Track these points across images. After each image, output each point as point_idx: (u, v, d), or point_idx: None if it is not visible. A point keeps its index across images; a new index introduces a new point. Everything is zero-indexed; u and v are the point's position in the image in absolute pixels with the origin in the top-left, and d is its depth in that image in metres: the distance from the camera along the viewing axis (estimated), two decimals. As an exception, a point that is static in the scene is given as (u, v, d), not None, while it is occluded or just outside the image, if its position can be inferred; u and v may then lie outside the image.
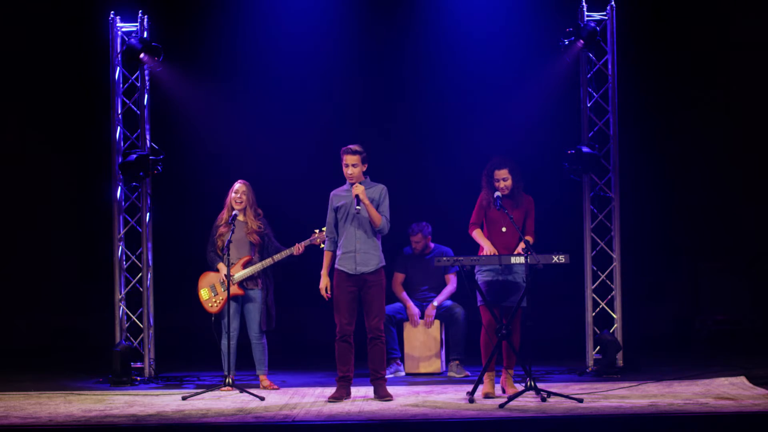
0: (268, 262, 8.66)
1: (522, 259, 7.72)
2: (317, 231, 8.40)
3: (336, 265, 8.00)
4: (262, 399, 7.98)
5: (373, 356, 7.94)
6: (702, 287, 11.78)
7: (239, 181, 8.78)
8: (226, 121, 11.24)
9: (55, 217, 12.14)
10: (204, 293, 8.75)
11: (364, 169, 8.00)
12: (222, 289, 8.64)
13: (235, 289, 8.62)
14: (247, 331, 8.74)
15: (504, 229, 8.03)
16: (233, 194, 8.72)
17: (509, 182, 8.01)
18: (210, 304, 8.73)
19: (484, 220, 8.10)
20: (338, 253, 8.00)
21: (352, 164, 7.93)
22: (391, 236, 8.18)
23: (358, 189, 7.85)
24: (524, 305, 7.90)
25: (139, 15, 9.39)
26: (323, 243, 8.26)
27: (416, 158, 11.56)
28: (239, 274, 8.64)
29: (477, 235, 8.08)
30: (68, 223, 12.18)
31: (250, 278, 8.68)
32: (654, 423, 6.87)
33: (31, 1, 11.57)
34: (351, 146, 7.97)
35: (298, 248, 8.57)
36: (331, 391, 8.04)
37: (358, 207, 7.85)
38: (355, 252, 7.91)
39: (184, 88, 10.07)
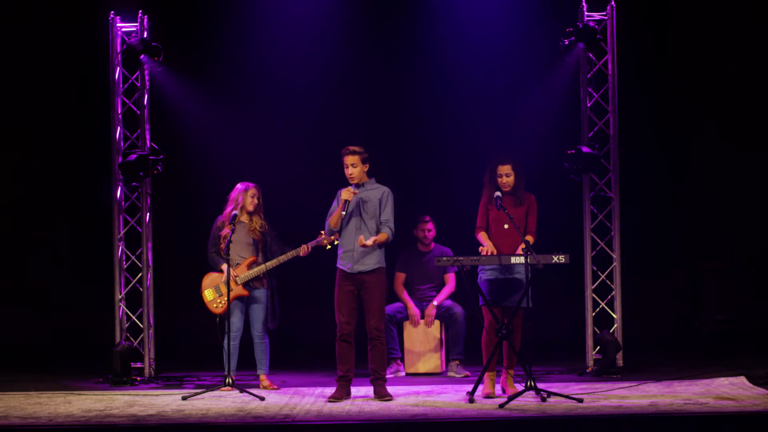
0: (273, 263, 8.65)
1: (522, 259, 7.73)
2: (323, 232, 8.38)
3: (337, 263, 8.02)
4: (262, 399, 7.98)
5: (374, 357, 7.94)
6: (702, 287, 11.77)
7: (249, 184, 8.74)
8: (227, 120, 11.24)
9: (55, 217, 12.13)
10: (208, 294, 8.73)
11: (365, 169, 8.00)
12: (226, 290, 8.62)
13: (240, 290, 8.62)
14: (250, 330, 8.74)
15: (506, 226, 8.03)
16: (250, 198, 8.70)
17: (512, 178, 8.02)
18: (215, 305, 8.71)
19: (488, 220, 8.11)
20: (339, 252, 8.02)
21: (351, 164, 7.94)
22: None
23: (347, 193, 7.89)
24: (524, 305, 7.89)
25: (139, 15, 9.39)
26: (330, 245, 8.26)
27: (417, 158, 11.56)
28: (244, 275, 8.63)
29: (481, 237, 8.09)
30: (68, 223, 12.17)
31: (256, 278, 8.67)
32: (654, 423, 6.87)
33: (31, 1, 11.56)
34: (350, 146, 7.98)
35: (305, 249, 8.55)
36: (331, 391, 8.04)
37: (343, 213, 7.89)
38: (354, 251, 7.92)
39: (184, 88, 10.07)
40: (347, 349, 7.93)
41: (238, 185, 8.77)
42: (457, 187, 10.71)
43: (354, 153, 7.94)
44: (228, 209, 8.74)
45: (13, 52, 11.73)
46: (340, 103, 11.40)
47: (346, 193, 7.89)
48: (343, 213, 7.89)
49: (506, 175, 8.02)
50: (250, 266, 8.67)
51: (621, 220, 9.32)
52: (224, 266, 8.60)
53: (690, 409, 7.14)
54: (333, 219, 8.00)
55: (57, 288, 12.01)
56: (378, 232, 7.96)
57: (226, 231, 8.63)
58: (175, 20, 10.68)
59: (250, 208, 8.71)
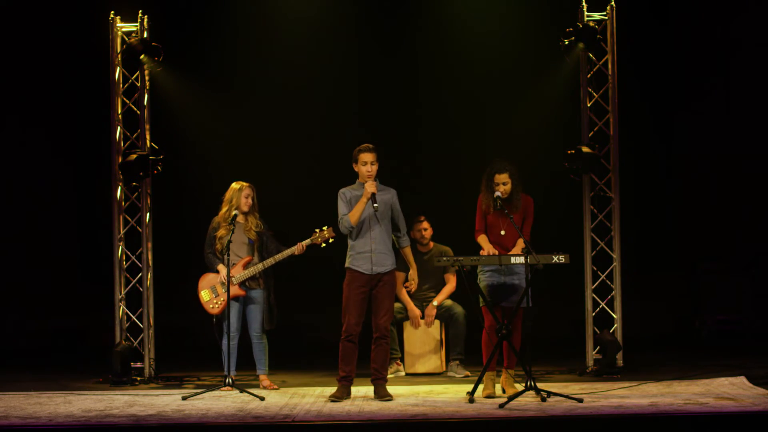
0: (269, 262, 8.64)
1: (522, 260, 7.73)
2: (318, 230, 8.38)
3: (349, 264, 7.97)
4: (262, 399, 7.98)
5: (377, 356, 7.92)
6: (702, 287, 11.78)
7: (242, 183, 8.73)
8: (226, 120, 11.25)
9: (55, 217, 12.14)
10: (204, 295, 8.73)
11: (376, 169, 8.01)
12: (223, 290, 8.62)
13: (236, 290, 8.61)
14: (248, 330, 8.74)
15: (503, 233, 8.03)
16: (244, 198, 8.69)
17: (509, 187, 8.02)
18: (211, 306, 8.71)
19: (485, 226, 8.11)
20: (350, 252, 7.98)
21: (370, 162, 7.91)
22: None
23: (373, 186, 7.84)
24: (524, 305, 7.89)
25: (139, 15, 9.39)
26: (324, 243, 8.23)
27: (417, 157, 11.57)
28: (240, 275, 8.63)
29: (481, 240, 8.09)
30: (68, 223, 12.17)
31: (252, 278, 8.67)
32: (654, 423, 6.87)
33: (31, 1, 11.56)
34: (368, 144, 7.96)
35: (300, 247, 8.55)
36: (331, 391, 8.04)
37: (375, 205, 7.83)
38: (371, 252, 7.89)
39: (184, 88, 10.07)
40: (352, 349, 7.90)
41: (233, 185, 8.77)
42: (456, 187, 10.70)
43: (375, 151, 7.93)
44: (223, 209, 8.73)
45: (13, 52, 11.73)
46: (338, 103, 11.41)
47: (371, 186, 7.84)
48: (375, 206, 7.83)
49: (503, 184, 8.00)
50: (245, 266, 8.66)
51: (621, 220, 9.32)
52: (220, 267, 8.60)
53: (690, 409, 7.14)
54: (355, 215, 7.88)
55: (57, 288, 12.01)
56: (390, 232, 7.98)
57: (222, 231, 8.63)
58: (175, 20, 10.68)
59: (245, 208, 8.70)
